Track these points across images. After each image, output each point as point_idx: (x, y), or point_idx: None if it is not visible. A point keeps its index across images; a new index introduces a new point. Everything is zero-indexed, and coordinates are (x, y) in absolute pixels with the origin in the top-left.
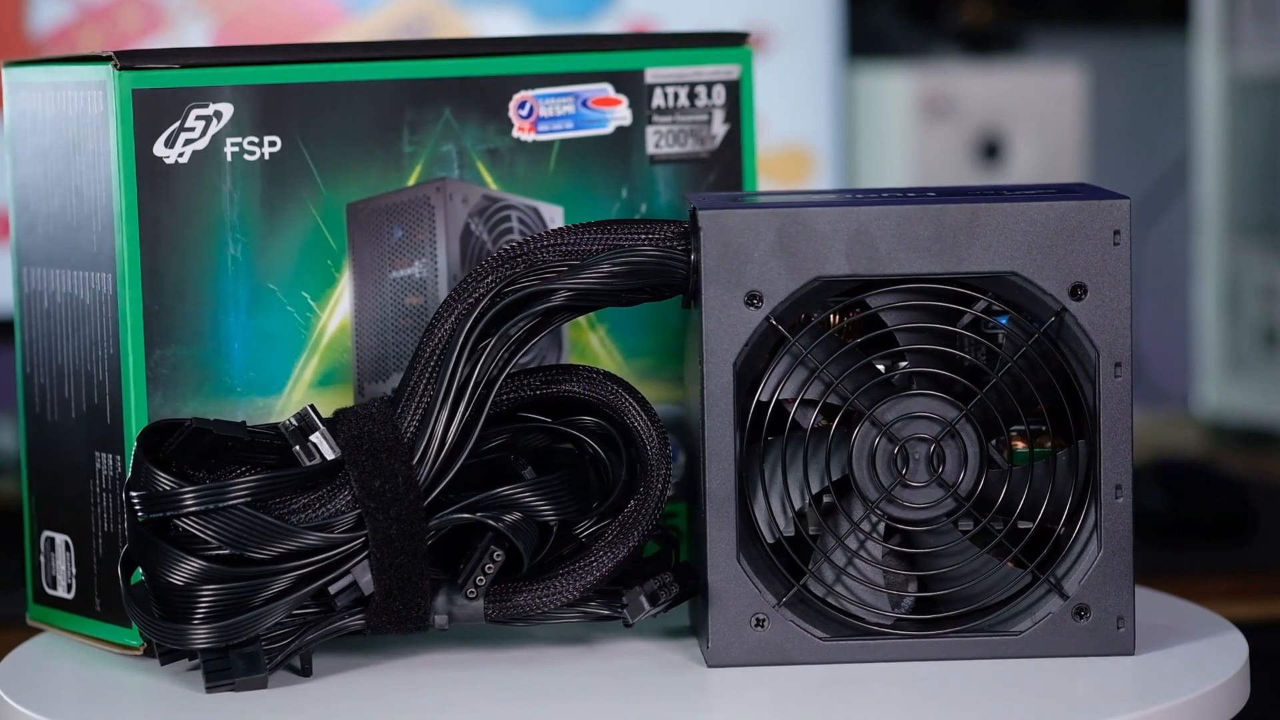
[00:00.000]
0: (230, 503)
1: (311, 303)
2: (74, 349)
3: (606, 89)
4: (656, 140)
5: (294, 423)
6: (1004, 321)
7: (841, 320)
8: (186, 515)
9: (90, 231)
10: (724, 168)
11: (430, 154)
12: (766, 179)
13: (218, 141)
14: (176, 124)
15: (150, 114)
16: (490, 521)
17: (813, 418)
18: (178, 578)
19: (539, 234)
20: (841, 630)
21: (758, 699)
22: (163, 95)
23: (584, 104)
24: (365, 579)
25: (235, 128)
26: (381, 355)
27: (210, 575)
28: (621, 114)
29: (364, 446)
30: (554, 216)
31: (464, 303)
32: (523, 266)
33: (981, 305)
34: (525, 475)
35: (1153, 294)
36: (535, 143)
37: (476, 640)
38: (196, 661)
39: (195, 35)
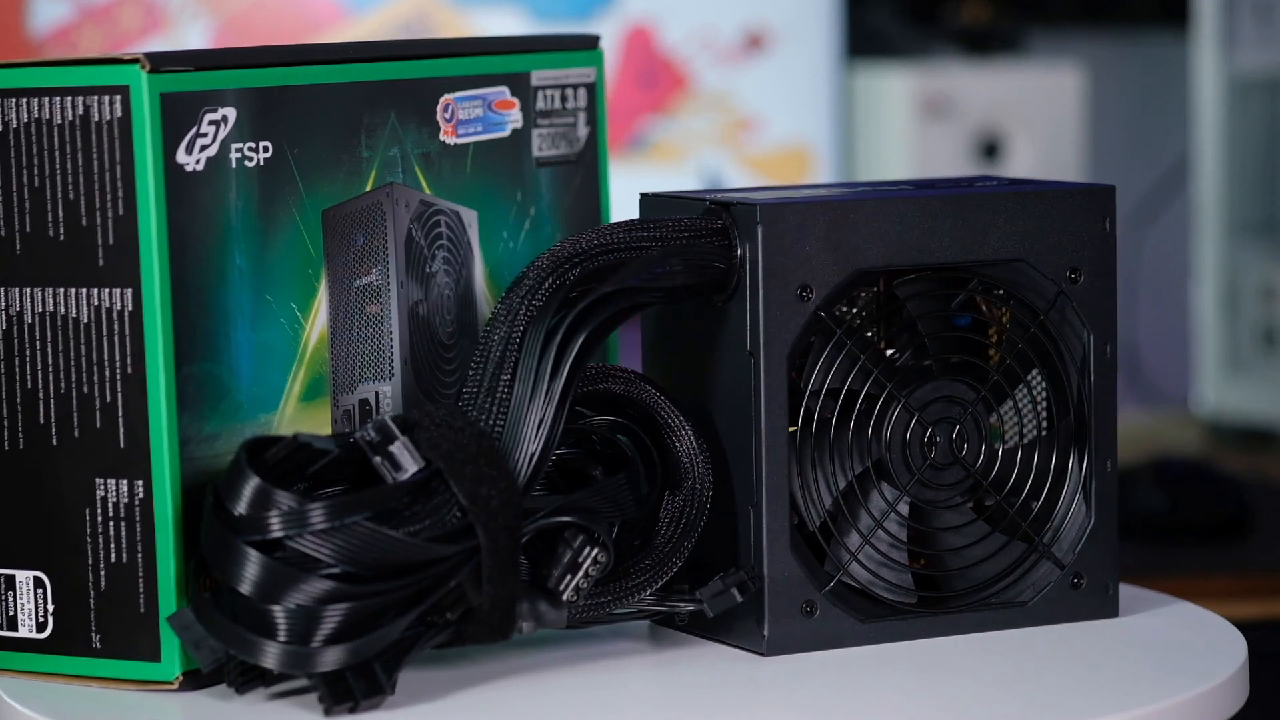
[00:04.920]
0: (350, 520)
1: (298, 313)
2: (55, 371)
3: (504, 92)
4: (539, 143)
5: (373, 434)
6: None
7: (874, 309)
8: (308, 535)
9: (93, 246)
10: (586, 170)
11: (381, 158)
12: (767, 179)
13: (225, 147)
14: (194, 129)
15: (174, 119)
16: (586, 524)
17: (857, 406)
18: (300, 599)
19: (586, 232)
20: (873, 612)
21: (834, 682)
22: (184, 99)
23: (490, 107)
24: (474, 590)
25: (238, 133)
26: (350, 366)
27: (333, 595)
28: (516, 117)
29: (459, 454)
30: (470, 220)
31: (529, 305)
32: (581, 266)
33: (974, 284)
34: (595, 476)
35: (1152, 293)
36: (456, 146)
37: (523, 644)
38: (277, 689)
39: (195, 35)
